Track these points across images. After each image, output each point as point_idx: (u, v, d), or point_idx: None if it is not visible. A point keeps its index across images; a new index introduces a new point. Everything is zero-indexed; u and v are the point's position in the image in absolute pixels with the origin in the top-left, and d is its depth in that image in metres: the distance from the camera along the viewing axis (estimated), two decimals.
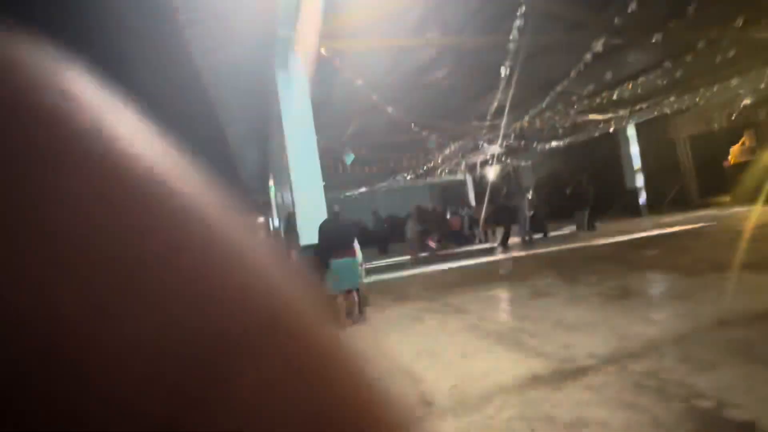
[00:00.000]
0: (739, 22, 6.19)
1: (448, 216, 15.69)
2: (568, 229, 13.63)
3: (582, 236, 11.86)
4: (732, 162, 14.52)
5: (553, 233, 13.21)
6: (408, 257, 13.18)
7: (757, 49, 8.24)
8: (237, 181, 0.30)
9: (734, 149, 14.60)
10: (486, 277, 7.97)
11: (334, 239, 5.42)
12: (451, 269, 9.89)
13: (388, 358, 4.09)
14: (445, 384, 3.31)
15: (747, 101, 13.20)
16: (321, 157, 6.85)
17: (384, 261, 13.95)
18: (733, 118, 15.13)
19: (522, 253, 10.46)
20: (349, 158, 10.75)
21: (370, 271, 9.95)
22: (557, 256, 9.48)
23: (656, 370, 2.97)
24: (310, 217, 5.73)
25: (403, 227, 15.86)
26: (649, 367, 3.01)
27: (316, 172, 5.92)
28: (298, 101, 5.94)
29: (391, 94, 9.08)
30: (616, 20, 5.72)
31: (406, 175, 18.35)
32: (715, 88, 10.89)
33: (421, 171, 17.82)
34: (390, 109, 8.06)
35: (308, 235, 5.72)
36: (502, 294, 6.07)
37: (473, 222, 15.10)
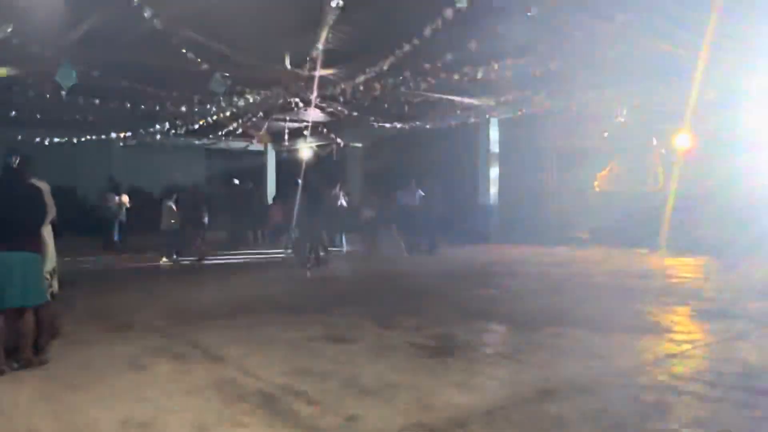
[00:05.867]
0: (622, 17, 7.68)
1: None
2: (392, 247, 14.81)
3: (411, 260, 13.05)
4: (597, 190, 17.92)
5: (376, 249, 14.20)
6: (162, 260, 12.63)
7: (637, 56, 10.34)
8: None
9: (600, 176, 18.07)
10: (266, 302, 8.09)
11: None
12: (217, 285, 9.85)
13: None
14: None
15: (621, 118, 16.44)
16: (7, 63, 5.97)
17: (108, 260, 13.09)
18: (605, 135, 18.69)
19: (328, 273, 10.94)
20: (68, 78, 9.59)
21: (67, 278, 9.12)
22: (375, 282, 10.29)
23: None
24: None
25: (157, 210, 14.89)
26: None
27: None
28: None
29: None
30: None
31: (168, 127, 17.36)
32: (591, 94, 13.26)
33: (195, 126, 17.08)
34: (149, 14, 7.50)
35: None
36: (283, 333, 6.21)
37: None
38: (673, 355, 5.25)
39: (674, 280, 9.66)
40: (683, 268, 11.12)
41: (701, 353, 5.34)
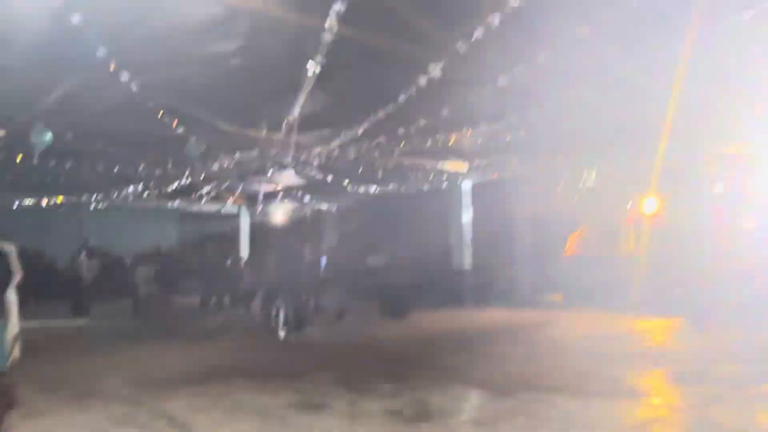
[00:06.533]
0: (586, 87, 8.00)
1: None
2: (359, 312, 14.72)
3: (384, 324, 12.94)
4: (568, 253, 18.08)
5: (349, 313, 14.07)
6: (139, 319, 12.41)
7: (608, 121, 10.70)
8: None
9: (571, 238, 18.28)
10: (236, 368, 7.92)
11: None
12: (185, 350, 9.63)
13: None
14: None
15: (591, 183, 16.82)
16: None
17: (75, 324, 12.74)
18: (574, 200, 19.05)
19: (301, 337, 10.80)
20: (42, 140, 9.61)
21: (29, 344, 8.86)
22: (348, 346, 10.16)
23: None
24: None
25: (125, 275, 14.73)
26: None
27: None
28: None
29: (137, 56, 8.56)
30: (459, 44, 6.70)
31: (142, 190, 17.26)
32: (560, 160, 13.60)
33: (169, 189, 17.01)
34: (126, 78, 7.57)
35: None
36: (253, 400, 6.06)
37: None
38: (652, 421, 5.20)
39: (648, 344, 9.68)
40: (656, 330, 11.16)
41: (679, 418, 5.30)
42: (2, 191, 17.09)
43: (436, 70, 7.20)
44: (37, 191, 17.77)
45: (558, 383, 6.70)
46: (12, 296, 5.33)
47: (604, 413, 5.48)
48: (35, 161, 11.89)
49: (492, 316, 14.42)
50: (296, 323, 11.25)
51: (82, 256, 15.11)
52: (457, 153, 15.29)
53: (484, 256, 17.94)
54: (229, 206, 23.95)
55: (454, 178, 17.06)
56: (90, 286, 15.09)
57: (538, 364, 8.04)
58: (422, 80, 7.47)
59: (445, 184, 17.35)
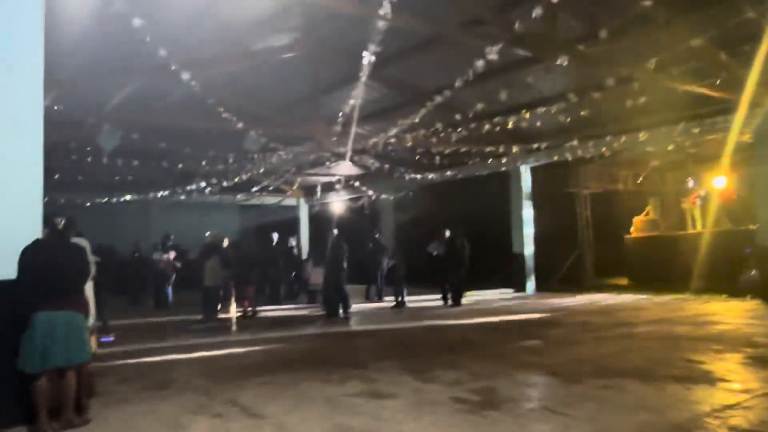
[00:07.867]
0: (652, 63, 7.69)
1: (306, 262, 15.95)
2: (427, 299, 14.68)
3: (445, 312, 12.88)
4: (633, 235, 17.58)
5: (410, 301, 14.08)
6: (199, 320, 12.49)
7: (670, 101, 10.29)
8: None
9: (637, 220, 17.76)
10: (303, 360, 8.00)
11: (45, 276, 4.79)
12: (253, 340, 9.78)
13: None
14: None
15: (655, 163, 16.26)
16: (52, 130, 6.17)
17: (141, 320, 13.10)
18: (639, 180, 18.47)
19: (362, 328, 10.84)
20: (110, 141, 9.93)
21: (114, 337, 9.19)
22: (409, 336, 10.13)
23: None
24: (11, 231, 4.95)
25: (197, 269, 15.05)
26: None
27: (34, 147, 5.11)
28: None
29: (194, 55, 8.78)
30: (517, 25, 6.55)
31: (204, 185, 17.74)
32: (622, 139, 13.19)
33: (229, 183, 17.42)
34: (186, 77, 7.75)
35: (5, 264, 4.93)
36: (321, 389, 6.10)
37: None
38: (731, 406, 4.99)
39: (722, 326, 9.30)
40: (730, 313, 10.72)
41: (760, 403, 5.07)
42: (75, 191, 17.90)
43: (493, 52, 7.08)
44: (107, 190, 18.55)
45: (629, 368, 6.54)
46: (89, 291, 5.53)
47: (679, 398, 5.30)
48: (104, 161, 12.38)
49: (557, 300, 14.18)
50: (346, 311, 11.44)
51: (160, 252, 15.66)
52: (515, 136, 15.05)
53: (547, 240, 17.60)
54: (288, 198, 24.36)
55: (514, 161, 16.78)
56: (173, 280, 15.70)
57: (607, 349, 7.84)
58: (480, 63, 7.37)
59: (503, 167, 17.08)
